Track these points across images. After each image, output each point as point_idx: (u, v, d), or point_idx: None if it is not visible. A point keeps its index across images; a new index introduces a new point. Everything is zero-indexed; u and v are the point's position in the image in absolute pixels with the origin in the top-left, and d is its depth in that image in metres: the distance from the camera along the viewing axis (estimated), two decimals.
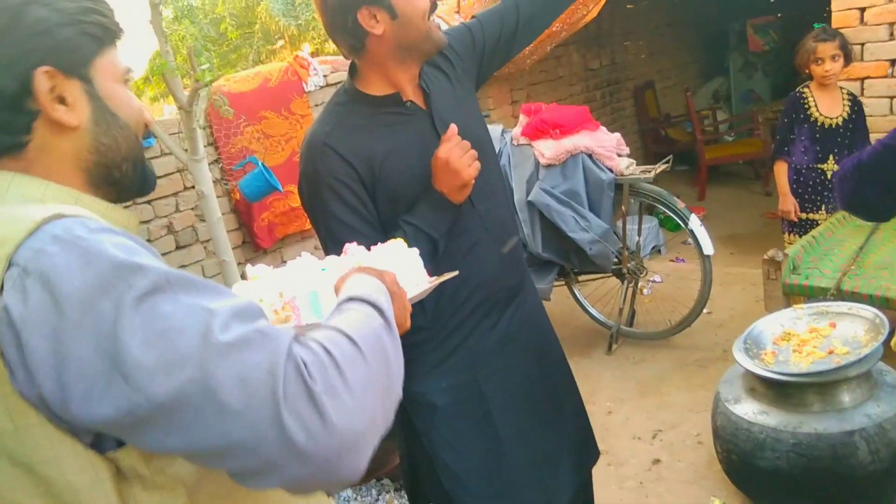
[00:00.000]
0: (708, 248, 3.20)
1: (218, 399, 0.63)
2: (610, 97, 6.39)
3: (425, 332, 1.55)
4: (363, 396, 0.70)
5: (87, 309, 0.63)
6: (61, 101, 0.78)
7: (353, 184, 1.45)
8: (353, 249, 1.17)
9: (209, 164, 3.53)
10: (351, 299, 0.83)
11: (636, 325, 3.69)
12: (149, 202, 3.36)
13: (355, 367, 0.71)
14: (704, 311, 3.48)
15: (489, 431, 1.60)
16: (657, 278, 4.30)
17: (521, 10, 1.66)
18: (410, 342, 1.56)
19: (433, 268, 1.44)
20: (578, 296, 3.77)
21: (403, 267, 1.15)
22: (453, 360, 1.58)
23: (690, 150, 6.21)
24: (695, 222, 3.22)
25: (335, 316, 0.80)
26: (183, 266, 3.51)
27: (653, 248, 4.77)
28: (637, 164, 3.46)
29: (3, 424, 0.67)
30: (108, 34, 0.83)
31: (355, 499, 2.72)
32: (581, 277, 3.72)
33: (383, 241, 1.38)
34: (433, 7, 1.44)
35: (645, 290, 4.14)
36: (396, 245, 1.19)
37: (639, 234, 3.58)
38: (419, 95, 1.53)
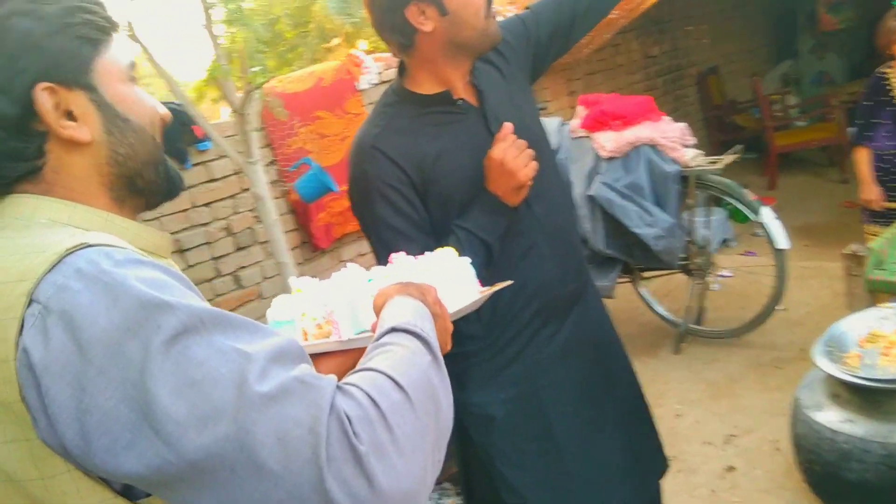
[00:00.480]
0: (782, 241, 3.02)
1: (255, 459, 0.57)
2: (671, 85, 6.17)
3: (480, 340, 1.48)
4: (413, 453, 0.63)
5: (113, 354, 0.58)
6: (69, 116, 0.72)
7: (403, 188, 1.38)
8: (399, 259, 1.11)
9: (266, 166, 3.55)
10: (395, 330, 0.75)
11: (705, 322, 3.53)
12: (207, 205, 3.39)
13: (405, 420, 0.64)
14: (779, 307, 3.30)
15: (550, 445, 1.51)
16: (727, 273, 4.11)
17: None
18: (465, 352, 1.51)
19: (487, 274, 1.37)
20: (644, 293, 3.62)
21: (453, 278, 1.09)
22: (511, 370, 1.50)
23: (759, 137, 5.94)
24: (767, 214, 3.05)
25: (379, 352, 0.72)
26: (242, 268, 3.53)
27: (722, 241, 4.57)
28: (706, 153, 3.30)
29: (28, 472, 0.62)
30: (102, 31, 0.76)
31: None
32: (646, 274, 3.58)
33: (435, 245, 1.31)
34: (489, 2, 1.36)
35: (714, 286, 3.95)
36: (446, 254, 1.13)
37: (706, 228, 3.41)
38: (471, 93, 1.46)
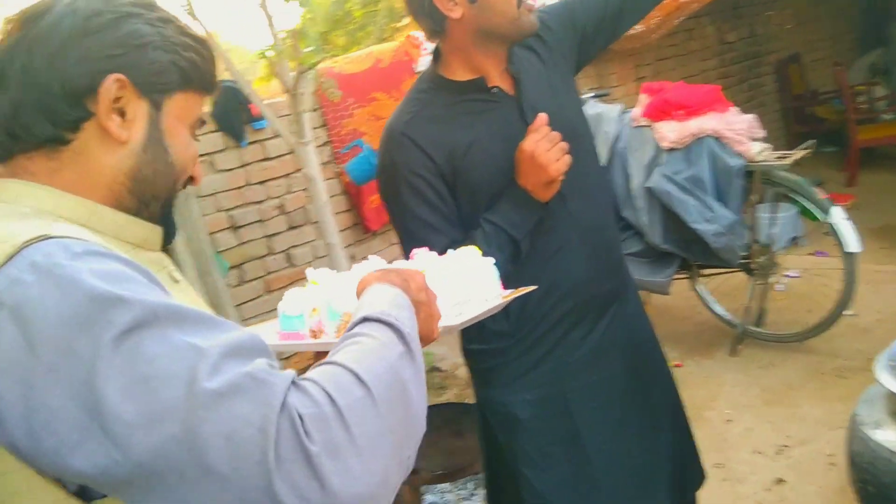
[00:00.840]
0: (852, 244, 2.83)
1: (203, 461, 0.54)
2: (748, 72, 5.90)
3: (507, 338, 1.43)
4: (372, 455, 0.59)
5: (62, 351, 0.56)
6: (121, 113, 0.74)
7: (431, 177, 1.34)
8: (421, 255, 1.08)
9: (320, 146, 3.56)
10: (367, 320, 0.71)
11: (766, 324, 3.36)
12: (261, 183, 3.43)
13: (365, 419, 0.59)
14: (847, 312, 3.11)
15: (577, 450, 1.45)
16: (793, 273, 3.91)
17: None
18: (492, 349, 1.46)
19: (516, 270, 1.32)
20: (701, 291, 3.48)
21: (475, 278, 1.04)
22: (538, 371, 1.45)
23: (840, 130, 5.61)
24: (837, 215, 2.86)
25: (346, 345, 0.67)
26: (294, 246, 3.57)
27: (791, 239, 4.35)
28: (778, 146, 3.12)
29: None
30: (198, 79, 0.80)
31: (451, 491, 2.66)
32: (705, 271, 3.43)
33: (462, 237, 1.27)
34: None
35: (778, 286, 3.76)
36: (469, 252, 1.08)
37: (772, 226, 3.24)
38: (507, 81, 1.40)
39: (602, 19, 1.51)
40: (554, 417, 1.46)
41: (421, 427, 0.68)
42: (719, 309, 3.46)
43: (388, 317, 0.71)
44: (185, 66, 0.78)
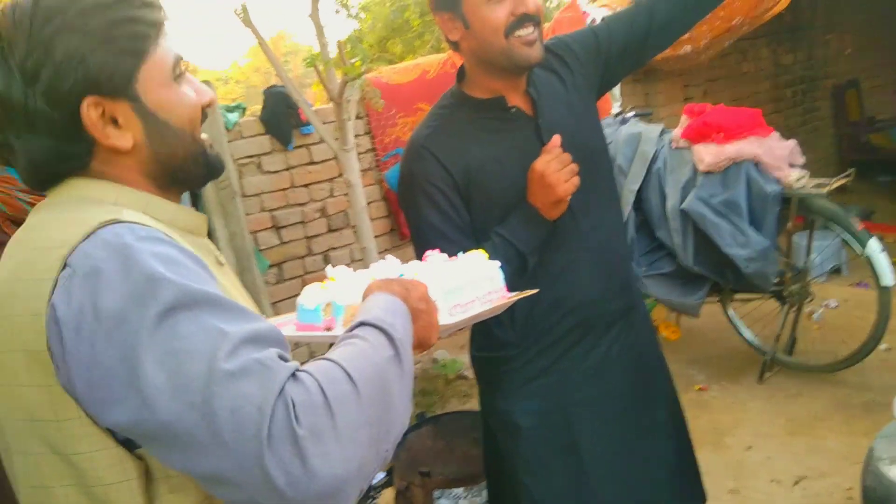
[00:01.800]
0: (887, 277, 2.79)
1: (212, 428, 0.64)
2: (802, 96, 5.80)
3: (513, 348, 1.49)
4: (351, 442, 0.67)
5: (119, 319, 0.66)
6: (114, 123, 0.79)
7: (447, 189, 1.41)
8: (433, 257, 1.15)
9: (363, 153, 3.67)
10: (363, 324, 0.79)
11: (796, 353, 3.32)
12: (305, 186, 3.56)
13: (348, 411, 0.68)
14: (882, 346, 3.06)
15: (575, 463, 1.50)
16: (832, 303, 3.85)
17: (655, 15, 1.52)
18: (498, 357, 1.53)
19: (523, 283, 1.38)
20: (732, 315, 3.46)
21: (480, 280, 1.11)
22: (541, 382, 1.50)
23: None
24: (874, 247, 2.83)
25: (342, 345, 0.76)
26: (333, 248, 3.68)
27: (832, 267, 4.28)
28: (830, 173, 3.07)
29: (46, 415, 0.72)
30: (146, 40, 0.80)
31: (465, 497, 2.71)
32: (737, 295, 3.41)
33: (473, 248, 1.33)
34: (518, 22, 1.33)
35: (815, 316, 3.72)
36: (477, 256, 1.15)
37: (808, 254, 3.21)
38: (527, 101, 1.46)
39: (627, 46, 1.55)
40: (554, 428, 1.51)
41: (401, 425, 0.76)
42: (749, 334, 3.43)
43: (382, 323, 0.79)
44: (129, 44, 0.78)
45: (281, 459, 0.63)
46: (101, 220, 0.72)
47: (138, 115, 0.81)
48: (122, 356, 0.66)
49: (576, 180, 1.35)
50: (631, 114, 3.65)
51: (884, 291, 2.84)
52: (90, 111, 0.77)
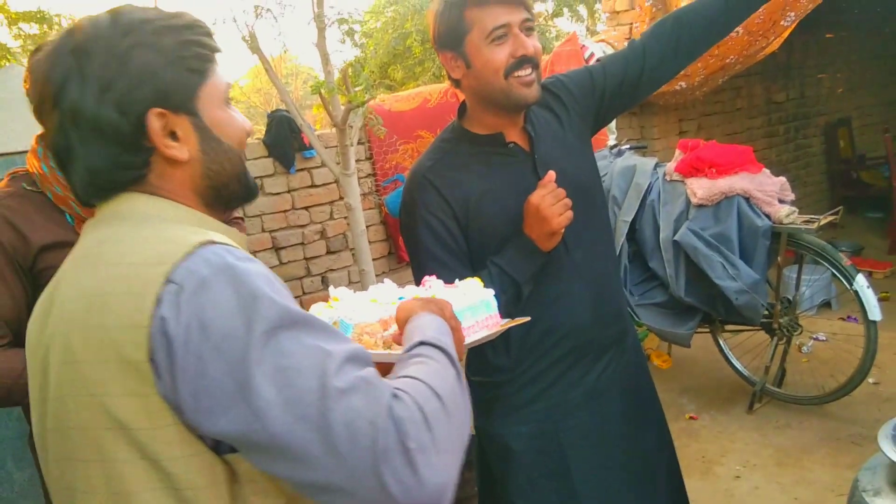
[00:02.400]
0: (874, 312, 2.86)
1: (327, 440, 0.69)
2: (795, 133, 5.92)
3: (507, 372, 1.54)
4: (447, 452, 0.74)
5: (226, 335, 0.71)
6: (173, 136, 0.84)
7: (446, 219, 1.47)
8: (432, 283, 1.20)
9: (364, 178, 3.74)
10: (423, 344, 0.86)
11: (785, 385, 3.37)
12: (306, 208, 3.62)
13: (441, 424, 0.74)
14: (869, 380, 3.11)
15: (566, 488, 1.54)
16: (821, 336, 3.91)
17: (647, 58, 1.59)
18: (492, 381, 1.57)
19: (517, 311, 1.43)
20: (723, 346, 3.51)
21: (479, 305, 1.16)
22: (534, 407, 1.55)
23: (886, 196, 5.58)
24: (861, 283, 2.89)
25: (415, 363, 0.83)
26: (331, 270, 3.73)
27: (822, 301, 4.34)
28: (822, 208, 3.15)
29: (140, 422, 0.74)
30: (208, 61, 0.87)
31: None
32: (728, 326, 3.47)
33: (470, 275, 1.39)
34: (517, 64, 1.40)
35: (804, 348, 3.78)
36: (473, 284, 1.21)
37: (797, 288, 3.28)
38: (524, 137, 1.52)
39: (621, 85, 1.61)
40: (546, 452, 1.55)
41: (468, 432, 0.85)
42: (740, 365, 3.48)
43: (440, 342, 0.87)
44: (195, 66, 0.85)
45: (395, 470, 0.69)
46: (198, 240, 0.77)
47: (196, 129, 0.86)
48: (229, 369, 0.70)
49: (569, 214, 1.41)
50: (626, 146, 3.74)
51: (871, 326, 2.90)
52: (155, 121, 0.82)
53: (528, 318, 1.25)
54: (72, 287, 0.81)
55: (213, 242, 0.77)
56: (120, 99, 0.81)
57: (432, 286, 1.20)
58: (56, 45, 0.83)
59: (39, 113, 0.85)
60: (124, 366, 0.73)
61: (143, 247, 0.78)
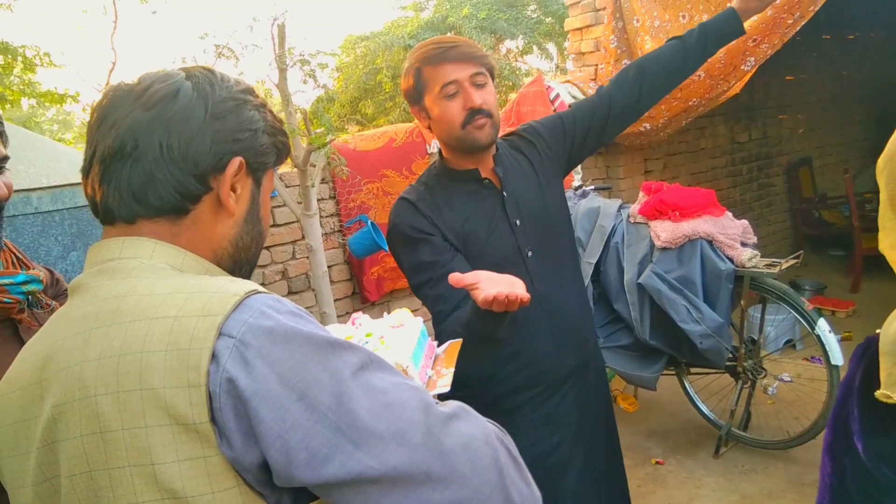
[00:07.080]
0: (836, 357, 2.86)
1: (448, 464, 0.72)
2: (758, 172, 6.01)
3: (472, 389, 1.51)
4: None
5: (307, 382, 0.70)
6: (234, 189, 0.86)
7: (428, 228, 1.56)
8: (361, 319, 1.21)
9: (327, 217, 3.69)
10: None
11: (751, 429, 3.35)
12: (267, 248, 3.54)
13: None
14: None
15: None
16: (786, 377, 3.92)
17: (613, 103, 1.72)
18: (458, 397, 1.55)
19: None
20: (689, 389, 3.49)
21: (419, 336, 1.14)
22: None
23: (848, 235, 5.67)
24: (822, 327, 2.90)
25: None
26: None
27: (786, 342, 4.36)
28: (785, 247, 3.18)
29: (200, 488, 0.69)
30: (279, 157, 0.93)
31: None
32: (694, 369, 3.45)
33: (461, 262, 1.52)
34: (469, 116, 1.53)
35: (769, 390, 3.78)
36: (402, 315, 1.21)
37: (761, 329, 3.28)
38: (495, 177, 1.64)
39: (589, 130, 1.74)
40: None
41: None
42: (706, 409, 3.46)
43: None
44: (280, 147, 0.92)
45: (514, 483, 0.75)
46: (244, 289, 0.74)
47: (251, 197, 0.89)
48: (319, 416, 0.69)
49: (518, 288, 1.31)
50: (591, 188, 3.75)
51: (834, 370, 2.90)
52: (234, 166, 0.84)
53: (461, 340, 1.23)
54: (82, 351, 0.73)
55: (258, 291, 0.75)
56: (221, 131, 0.83)
57: (363, 322, 1.19)
58: (173, 72, 0.86)
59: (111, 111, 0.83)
60: (179, 430, 0.68)
61: (176, 298, 0.73)
